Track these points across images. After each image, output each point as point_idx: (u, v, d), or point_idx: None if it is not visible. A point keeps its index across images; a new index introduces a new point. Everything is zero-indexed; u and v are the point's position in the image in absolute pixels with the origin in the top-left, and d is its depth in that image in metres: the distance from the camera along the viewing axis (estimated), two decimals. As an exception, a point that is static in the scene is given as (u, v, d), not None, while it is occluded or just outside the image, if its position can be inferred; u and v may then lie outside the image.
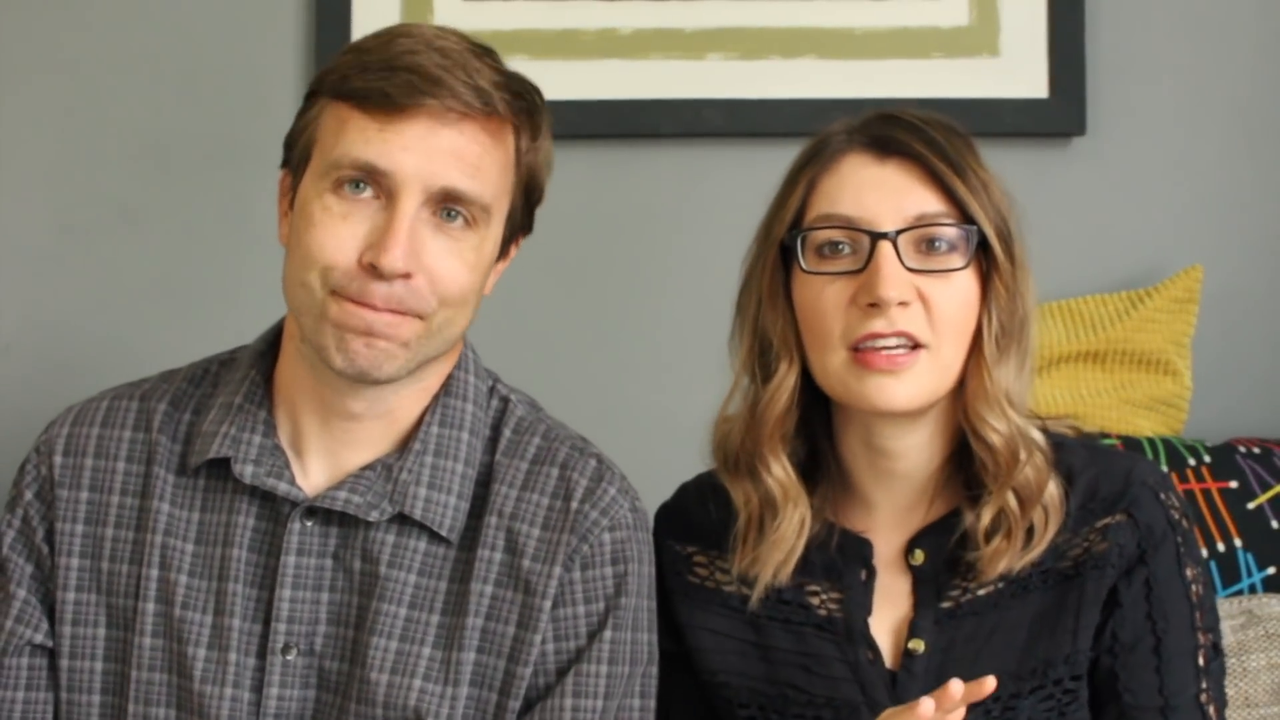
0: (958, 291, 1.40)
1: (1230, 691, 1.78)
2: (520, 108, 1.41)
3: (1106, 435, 2.01)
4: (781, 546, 1.46)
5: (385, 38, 1.39)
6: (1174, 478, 1.94)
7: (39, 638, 1.45)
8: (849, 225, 1.40)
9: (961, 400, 1.43)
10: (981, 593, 1.45)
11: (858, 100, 2.14)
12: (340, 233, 1.36)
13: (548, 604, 1.41)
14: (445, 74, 1.35)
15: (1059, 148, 2.17)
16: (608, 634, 1.43)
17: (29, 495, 1.47)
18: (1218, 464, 1.96)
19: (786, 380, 1.44)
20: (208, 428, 1.45)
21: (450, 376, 1.47)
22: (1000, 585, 1.45)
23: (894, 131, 1.43)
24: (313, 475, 1.44)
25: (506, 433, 1.48)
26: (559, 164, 2.17)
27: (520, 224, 1.47)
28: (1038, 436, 1.45)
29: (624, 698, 1.45)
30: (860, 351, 1.39)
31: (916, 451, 1.47)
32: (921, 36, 2.15)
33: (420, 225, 1.36)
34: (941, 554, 1.47)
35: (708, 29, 2.16)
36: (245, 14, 2.16)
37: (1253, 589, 1.90)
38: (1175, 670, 1.43)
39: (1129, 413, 2.05)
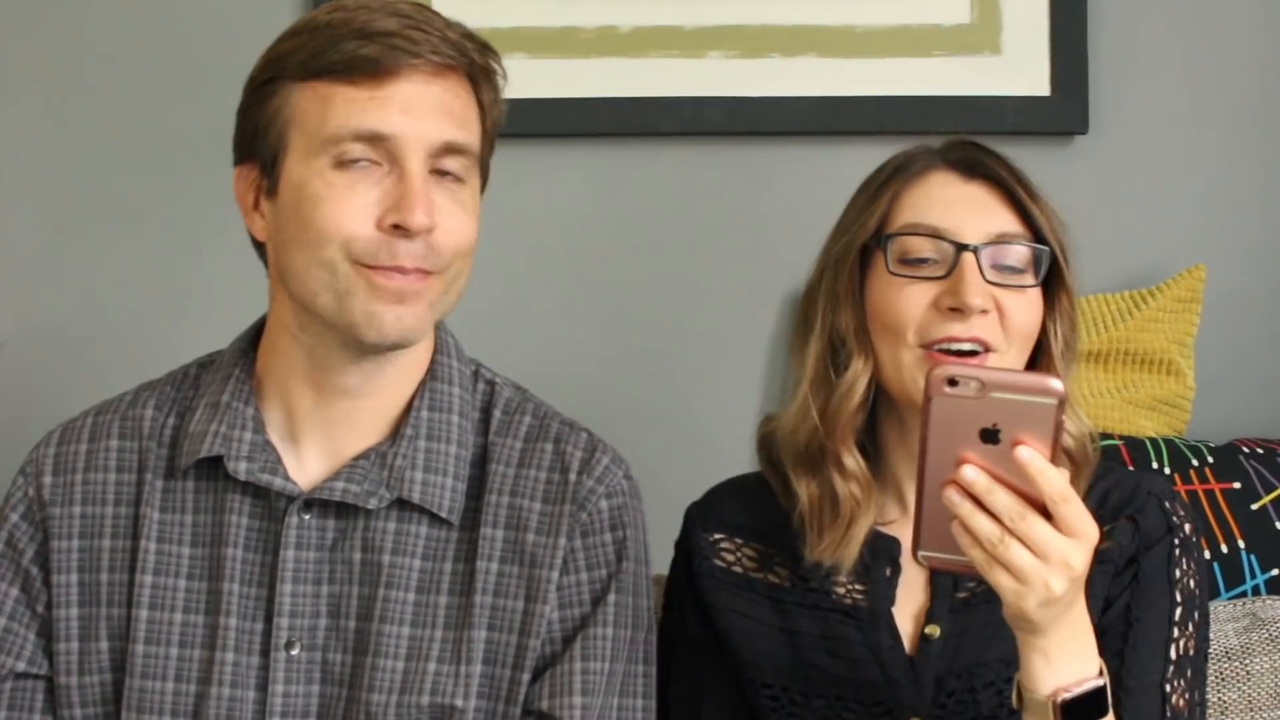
0: (1029, 304, 1.49)
1: (1233, 695, 1.77)
2: (483, 64, 1.43)
3: (1109, 436, 2.01)
4: (859, 538, 1.51)
5: (333, 10, 1.39)
6: (1177, 478, 1.94)
7: (21, 666, 1.44)
8: (936, 234, 1.48)
9: None
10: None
11: (859, 98, 2.14)
12: (353, 203, 1.36)
13: (554, 574, 1.43)
14: (420, 33, 1.36)
15: (1061, 146, 2.16)
16: (611, 598, 1.45)
17: (14, 518, 1.47)
18: (1221, 465, 1.96)
19: (862, 376, 1.50)
20: (195, 428, 1.44)
21: (434, 361, 1.48)
22: None
23: (979, 155, 1.53)
24: (308, 466, 1.44)
25: (497, 414, 1.49)
26: (559, 163, 2.18)
27: (484, 177, 1.48)
28: (1096, 433, 1.54)
29: (628, 663, 1.46)
30: (935, 353, 1.46)
31: None
32: (923, 34, 2.15)
33: (426, 183, 1.38)
34: None
35: (708, 27, 2.15)
36: (243, 13, 2.16)
37: (1256, 591, 1.89)
38: (1140, 656, 1.47)
39: (1132, 413, 2.05)
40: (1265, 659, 1.79)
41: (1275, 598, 1.86)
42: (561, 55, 2.15)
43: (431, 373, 1.47)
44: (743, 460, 2.10)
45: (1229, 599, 1.88)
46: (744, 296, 2.17)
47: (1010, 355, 1.48)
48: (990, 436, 1.24)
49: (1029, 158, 2.14)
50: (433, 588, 1.43)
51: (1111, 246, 2.15)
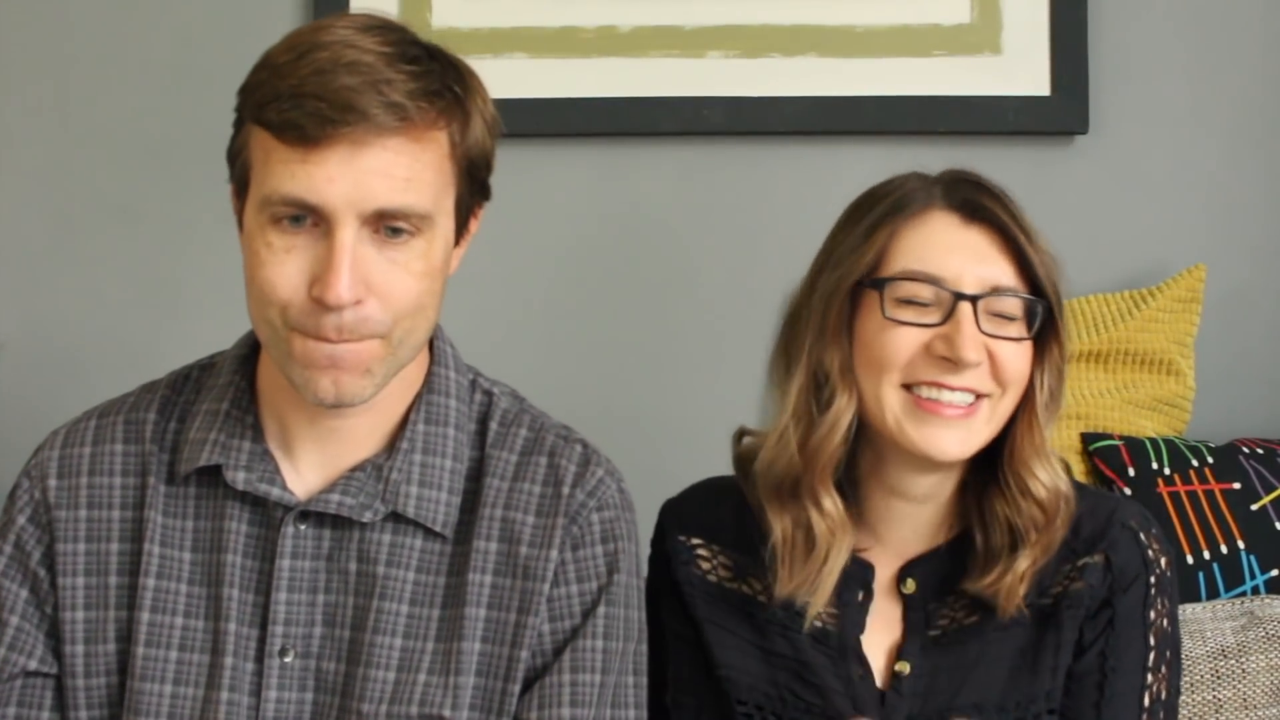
0: (1022, 353, 1.48)
1: (1229, 693, 1.78)
2: (442, 107, 1.36)
3: (1109, 436, 2.01)
4: (833, 576, 1.50)
5: (296, 52, 1.33)
6: (1177, 479, 1.93)
7: (33, 664, 1.44)
8: (935, 283, 1.46)
9: (1008, 454, 1.50)
10: (968, 622, 1.51)
11: (859, 98, 2.14)
12: (287, 269, 1.34)
13: (545, 586, 1.43)
14: (356, 96, 1.30)
15: (1061, 146, 2.16)
16: (602, 610, 1.44)
17: (21, 520, 1.47)
18: (1221, 465, 1.95)
19: (845, 413, 1.49)
20: (195, 435, 1.44)
21: (431, 373, 1.47)
22: (984, 616, 1.51)
23: (980, 197, 1.50)
24: (304, 477, 1.44)
25: (493, 425, 1.48)
26: (559, 163, 2.18)
27: (473, 201, 1.44)
28: (1068, 490, 1.51)
29: (620, 674, 1.46)
30: (922, 398, 1.46)
31: (929, 494, 1.53)
32: (923, 34, 2.15)
33: (362, 248, 1.34)
34: (933, 583, 1.53)
35: (708, 26, 2.15)
36: (243, 12, 2.16)
37: (1255, 591, 1.89)
38: (1115, 707, 1.49)
39: (1132, 413, 2.05)
40: (1262, 657, 1.79)
41: (1273, 597, 1.86)
42: (562, 55, 2.15)
43: (428, 385, 1.46)
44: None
45: (1228, 599, 1.88)
46: (743, 296, 2.17)
47: (1004, 402, 1.47)
48: None
49: (1029, 158, 2.16)
50: (426, 600, 1.43)
51: (1111, 246, 2.15)
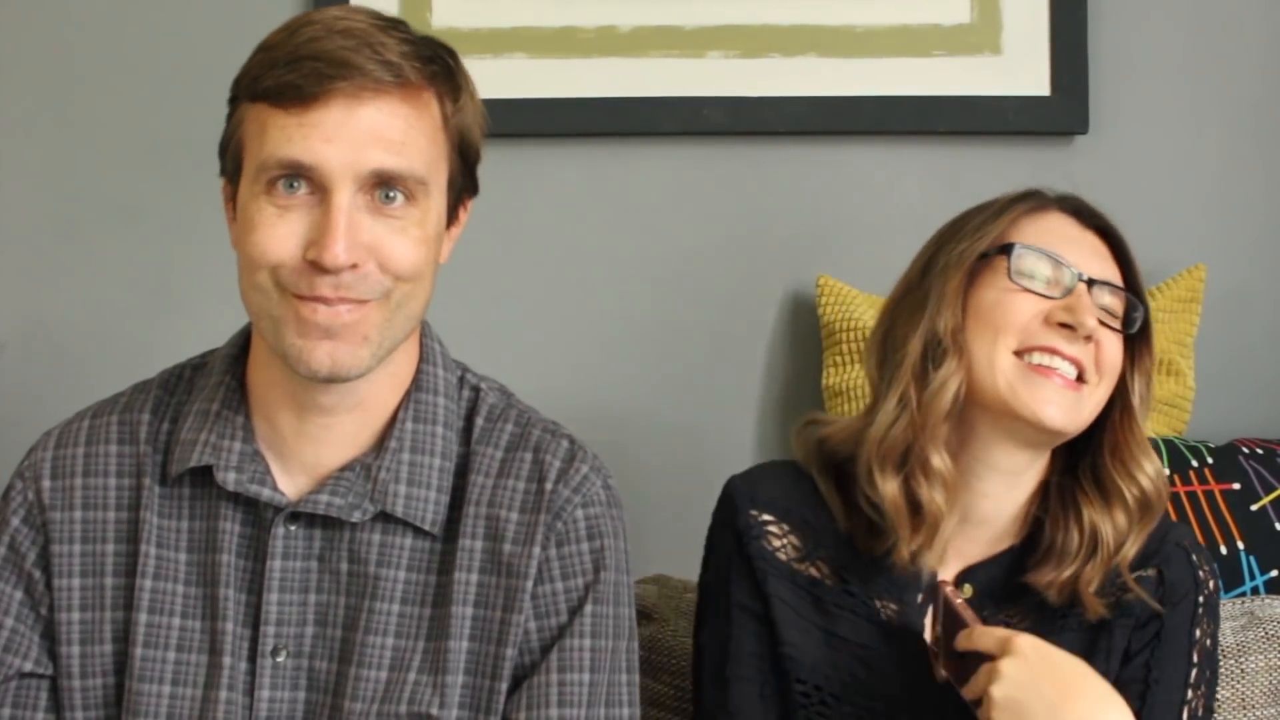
0: (1119, 346, 1.55)
1: (1227, 693, 1.78)
2: (434, 72, 1.38)
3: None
4: (944, 538, 1.54)
5: (289, 29, 1.37)
6: (1176, 479, 1.93)
7: (28, 666, 1.44)
8: (1060, 261, 1.54)
9: (1110, 449, 1.57)
10: (1021, 627, 1.53)
11: (859, 98, 2.14)
12: (279, 231, 1.34)
13: (529, 584, 1.43)
14: (351, 54, 1.33)
15: (1061, 146, 2.16)
16: (589, 608, 1.44)
17: (15, 521, 1.47)
18: (1220, 465, 1.95)
19: (956, 375, 1.53)
20: (186, 436, 1.45)
21: (420, 371, 1.47)
22: (1038, 621, 1.54)
23: (1091, 207, 1.60)
24: (294, 477, 1.44)
25: (479, 421, 1.48)
26: (559, 163, 2.18)
27: (463, 187, 1.46)
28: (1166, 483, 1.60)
29: (610, 673, 1.46)
30: (1033, 363, 1.52)
31: (1013, 472, 1.57)
32: (923, 34, 2.15)
33: (358, 212, 1.35)
34: (991, 589, 1.56)
35: (708, 26, 2.15)
36: (243, 12, 2.15)
37: (1255, 592, 1.89)
38: (1155, 717, 1.53)
39: (1131, 413, 2.04)
40: (1261, 657, 1.79)
41: (1273, 597, 1.86)
42: (561, 55, 2.15)
43: (416, 383, 1.46)
44: (742, 460, 2.10)
45: (1227, 599, 1.88)
46: (744, 296, 2.17)
47: (1097, 393, 1.53)
48: None
49: (1029, 158, 2.16)
50: (416, 599, 1.43)
51: (1111, 246, 2.15)
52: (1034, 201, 1.59)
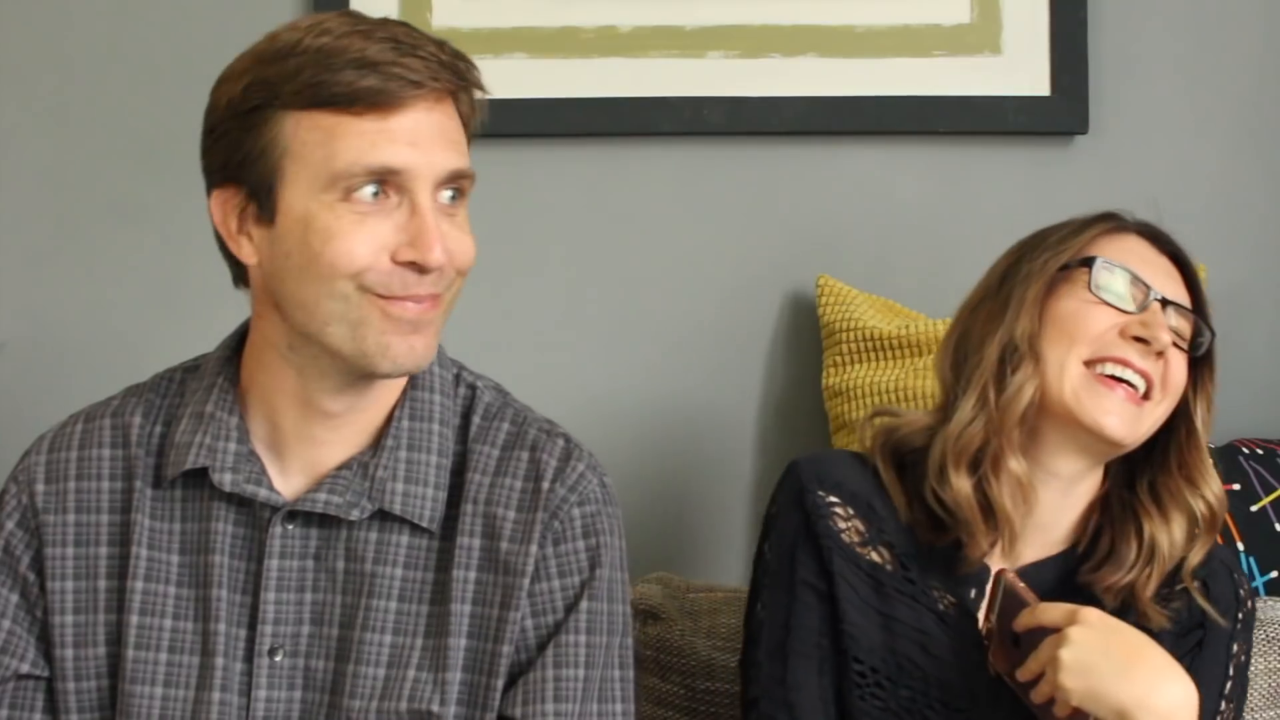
0: (1183, 369, 1.60)
1: (1226, 695, 1.78)
2: (473, 71, 1.42)
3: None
4: (1016, 532, 1.59)
5: (319, 35, 1.36)
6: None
7: (25, 667, 1.45)
8: (1138, 279, 1.59)
9: (1176, 464, 1.63)
10: None
11: (859, 98, 2.14)
12: (365, 237, 1.35)
13: (526, 581, 1.43)
14: (417, 59, 1.35)
15: (1061, 146, 2.16)
16: (584, 605, 1.45)
17: (10, 525, 1.47)
18: (1220, 466, 1.95)
19: (1031, 380, 1.57)
20: (181, 438, 1.45)
21: None
22: None
23: (1164, 234, 1.66)
24: (291, 477, 1.45)
25: (476, 419, 1.49)
26: (559, 163, 2.18)
27: None
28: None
29: (604, 669, 1.46)
30: (1103, 374, 1.56)
31: (1073, 478, 1.61)
32: (923, 34, 2.15)
33: (434, 213, 1.38)
34: (1040, 592, 1.56)
35: (708, 27, 2.15)
36: (243, 12, 2.15)
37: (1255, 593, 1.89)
38: None
39: (1131, 414, 2.04)
40: (1261, 660, 1.79)
41: (1274, 599, 1.86)
42: (561, 55, 2.15)
43: (413, 381, 1.47)
44: (742, 460, 2.11)
45: (1226, 600, 1.88)
46: (744, 296, 2.17)
47: (1158, 410, 1.58)
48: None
49: (1028, 158, 2.16)
50: (414, 596, 1.43)
51: (1111, 247, 2.15)
52: (1114, 223, 1.64)
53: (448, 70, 1.37)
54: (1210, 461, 1.64)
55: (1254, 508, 1.93)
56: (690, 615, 1.88)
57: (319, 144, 1.35)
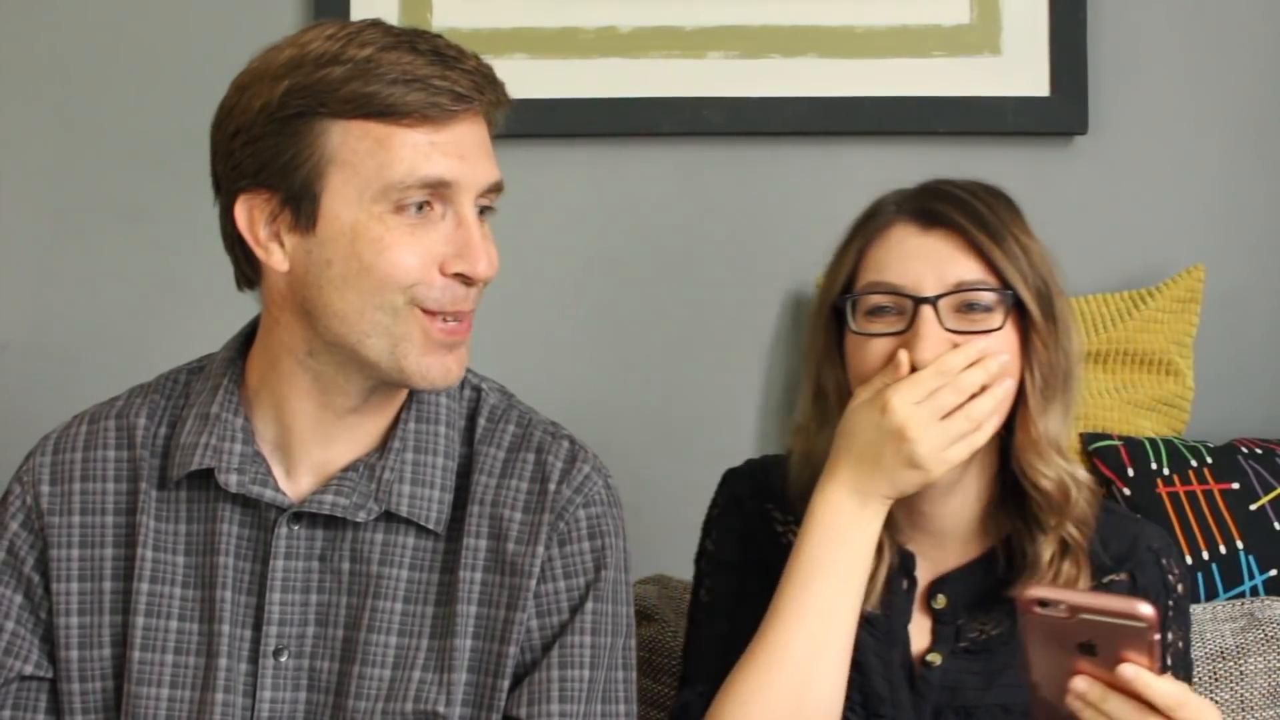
0: (1000, 344, 1.49)
1: (1226, 695, 1.78)
2: (505, 85, 1.44)
3: (1108, 436, 2.01)
4: (875, 580, 1.53)
5: (362, 45, 1.36)
6: (1176, 479, 1.94)
7: (29, 669, 1.45)
8: (894, 291, 1.50)
9: (1011, 449, 1.52)
10: (995, 633, 1.54)
11: (859, 99, 2.14)
12: (417, 250, 1.36)
13: (532, 583, 1.44)
14: (462, 73, 1.36)
15: (1060, 147, 2.16)
16: (589, 606, 1.45)
17: (14, 526, 1.47)
18: (1220, 465, 1.96)
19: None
20: (186, 439, 1.45)
21: None
22: (1012, 626, 1.52)
23: (938, 204, 1.53)
24: (299, 478, 1.45)
25: (481, 421, 1.49)
26: (559, 164, 2.18)
27: None
28: (1083, 475, 1.54)
29: (608, 669, 1.47)
30: None
31: (954, 511, 1.56)
32: (923, 35, 2.15)
33: (480, 227, 1.40)
34: (964, 598, 1.55)
35: (708, 27, 2.16)
36: (244, 13, 2.16)
37: (1254, 591, 1.90)
38: None
39: (1131, 413, 2.05)
40: (1260, 659, 1.79)
41: (1273, 598, 1.86)
42: (562, 56, 2.16)
43: None
44: (742, 460, 2.10)
45: (1227, 599, 1.88)
46: (744, 297, 2.17)
47: (990, 393, 1.47)
48: (1089, 649, 1.27)
49: (1028, 158, 2.16)
50: (419, 598, 1.44)
51: (1110, 247, 2.16)
52: (879, 220, 1.55)
53: (490, 85, 1.39)
54: (1049, 440, 1.50)
55: (1253, 506, 1.93)
56: (684, 617, 1.88)
57: (370, 153, 1.35)
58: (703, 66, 2.16)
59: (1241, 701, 1.78)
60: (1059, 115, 2.14)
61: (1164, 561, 1.56)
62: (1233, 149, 2.17)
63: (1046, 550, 1.51)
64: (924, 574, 1.57)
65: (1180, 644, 1.56)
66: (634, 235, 2.18)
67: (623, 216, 2.19)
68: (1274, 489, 1.94)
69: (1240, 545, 1.91)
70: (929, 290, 1.49)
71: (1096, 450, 1.99)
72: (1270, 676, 1.79)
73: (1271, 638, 1.81)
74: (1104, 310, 2.08)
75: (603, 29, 2.16)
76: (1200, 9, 2.17)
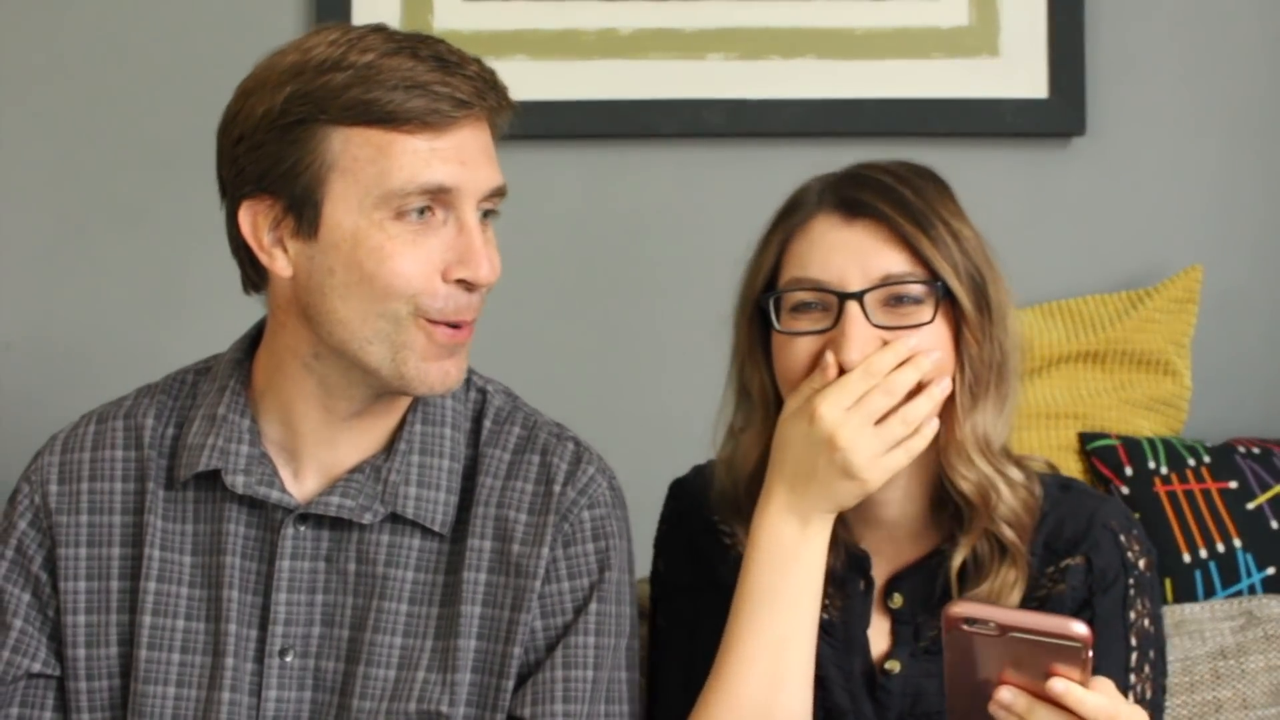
0: (932, 339, 1.43)
1: (1228, 693, 1.78)
2: (508, 90, 1.43)
3: (1106, 435, 2.01)
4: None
5: (363, 51, 1.36)
6: (1174, 478, 1.94)
7: (36, 666, 1.46)
8: (818, 287, 1.44)
9: (935, 448, 1.45)
10: None
11: (858, 100, 2.15)
12: (419, 257, 1.36)
13: (537, 584, 1.44)
14: (463, 79, 1.36)
15: (1059, 148, 2.17)
16: (593, 607, 1.45)
17: (23, 525, 1.48)
18: (1217, 464, 1.96)
19: (762, 436, 1.49)
20: (193, 440, 1.45)
21: None
22: None
23: (861, 194, 1.47)
24: (305, 479, 1.46)
25: (487, 423, 1.50)
26: (559, 165, 2.19)
27: None
28: (1016, 475, 1.47)
29: (612, 670, 1.47)
30: None
31: (898, 502, 1.50)
32: (922, 37, 2.15)
33: (482, 233, 1.40)
34: (920, 596, 1.50)
35: (708, 29, 2.16)
36: (245, 13, 2.16)
37: (1252, 590, 1.90)
38: None
39: (1129, 413, 2.05)
40: (1261, 657, 1.80)
41: (1271, 597, 1.87)
42: (562, 57, 2.16)
43: None
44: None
45: (1225, 598, 1.89)
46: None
47: (927, 394, 1.42)
48: (1016, 665, 1.24)
49: (1027, 159, 2.17)
50: (424, 599, 1.44)
51: (1108, 247, 2.16)
52: (800, 213, 1.48)
53: (492, 90, 1.39)
54: (972, 439, 1.43)
55: (1251, 505, 1.93)
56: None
57: (370, 160, 1.35)
58: (703, 68, 2.16)
59: (1244, 700, 1.78)
60: (1057, 116, 2.14)
61: (1122, 539, 1.48)
62: (1230, 150, 2.17)
63: (956, 559, 1.45)
64: (880, 572, 1.52)
65: (1145, 622, 1.48)
66: (634, 236, 2.19)
67: (623, 218, 2.19)
68: (1271, 488, 1.94)
69: (1238, 544, 1.91)
70: (854, 285, 1.42)
71: (1094, 450, 2.00)
72: (1271, 674, 1.79)
73: (1271, 635, 1.81)
74: (1102, 310, 2.08)
75: (603, 31, 2.16)
76: (1198, 11, 2.18)
